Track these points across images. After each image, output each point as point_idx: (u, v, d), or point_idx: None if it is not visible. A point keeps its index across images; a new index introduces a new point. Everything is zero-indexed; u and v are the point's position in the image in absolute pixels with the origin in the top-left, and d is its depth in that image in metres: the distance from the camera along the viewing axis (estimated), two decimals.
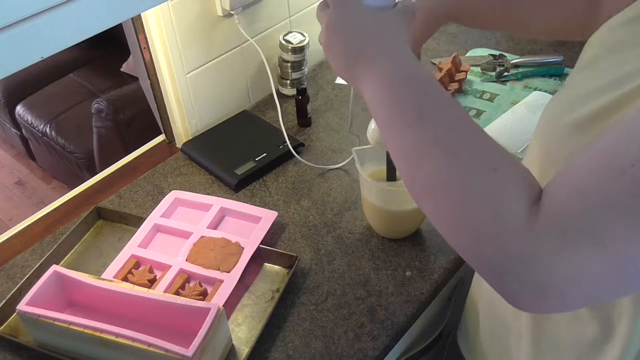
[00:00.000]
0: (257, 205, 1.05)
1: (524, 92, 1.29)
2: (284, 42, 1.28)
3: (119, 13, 0.75)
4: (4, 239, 1.06)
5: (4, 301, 0.89)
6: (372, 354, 0.83)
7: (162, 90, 1.18)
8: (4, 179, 2.85)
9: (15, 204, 2.72)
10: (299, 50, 1.28)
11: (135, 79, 2.27)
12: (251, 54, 1.28)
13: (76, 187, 1.18)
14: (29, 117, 2.51)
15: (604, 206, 0.42)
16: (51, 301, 0.85)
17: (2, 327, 0.88)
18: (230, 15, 1.18)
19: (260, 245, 0.96)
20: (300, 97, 1.23)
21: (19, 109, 2.57)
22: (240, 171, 1.12)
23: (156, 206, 1.05)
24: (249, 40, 1.23)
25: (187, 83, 1.18)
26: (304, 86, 1.23)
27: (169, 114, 1.21)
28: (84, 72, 2.68)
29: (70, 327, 0.78)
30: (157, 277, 0.94)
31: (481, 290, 0.81)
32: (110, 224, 1.06)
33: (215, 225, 1.03)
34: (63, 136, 2.37)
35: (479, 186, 0.46)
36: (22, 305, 0.81)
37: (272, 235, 1.01)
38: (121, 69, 2.56)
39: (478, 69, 1.37)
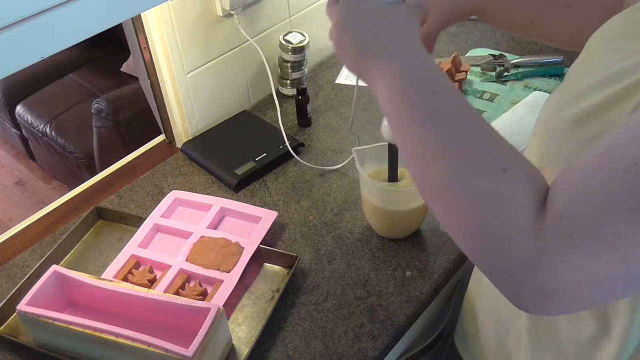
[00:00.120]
0: (257, 205, 1.05)
1: (524, 92, 1.29)
2: (284, 42, 1.28)
3: (119, 13, 0.75)
4: (4, 239, 1.06)
5: (4, 301, 0.89)
6: (372, 354, 0.83)
7: (162, 90, 1.18)
8: (4, 179, 2.85)
9: (15, 204, 2.72)
10: (299, 50, 1.28)
11: (135, 79, 2.27)
12: (251, 54, 1.28)
13: (76, 187, 1.18)
14: (29, 117, 2.51)
15: (605, 207, 0.42)
16: (51, 301, 0.85)
17: (2, 327, 0.88)
18: (230, 15, 1.18)
19: (260, 245, 0.96)
20: (300, 97, 1.23)
21: (19, 109, 2.57)
22: (240, 171, 1.12)
23: (156, 206, 1.05)
24: (249, 40, 1.23)
25: (187, 83, 1.18)
26: (304, 86, 1.23)
27: (169, 114, 1.21)
28: (84, 72, 2.68)
29: (70, 327, 0.78)
30: (157, 277, 0.94)
31: (480, 291, 0.81)
32: (110, 224, 1.06)
33: (215, 225, 1.03)
34: (63, 136, 2.37)
35: (487, 189, 0.46)
36: (22, 305, 0.81)
37: (272, 235, 1.01)
38: (121, 69, 2.56)
39: (478, 69, 1.37)
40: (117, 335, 0.76)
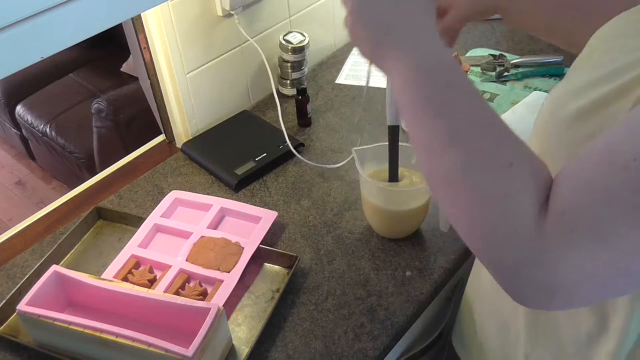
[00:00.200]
0: (257, 205, 1.05)
1: (524, 92, 1.30)
2: (284, 42, 1.28)
3: (119, 13, 0.75)
4: (4, 239, 1.06)
5: (4, 301, 0.89)
6: (372, 354, 0.83)
7: (162, 90, 1.18)
8: (4, 179, 2.85)
9: (15, 204, 2.72)
10: (299, 50, 1.28)
11: (135, 79, 2.27)
12: (251, 54, 1.28)
13: (76, 187, 1.18)
14: (29, 117, 2.51)
15: (606, 203, 0.42)
16: (51, 301, 0.85)
17: (2, 327, 0.88)
18: (230, 15, 1.18)
19: (260, 245, 0.96)
20: (300, 97, 1.23)
21: (19, 109, 2.56)
22: (240, 171, 1.12)
23: (156, 206, 1.05)
24: (249, 40, 1.23)
25: (187, 83, 1.18)
26: (304, 86, 1.23)
27: (169, 114, 1.21)
28: (84, 72, 2.68)
29: (70, 327, 0.78)
30: (157, 277, 0.94)
31: (478, 290, 0.81)
32: (110, 224, 1.06)
33: (215, 225, 1.03)
34: (63, 136, 2.37)
35: (491, 183, 0.46)
36: (22, 305, 0.81)
37: (272, 235, 1.01)
38: (121, 69, 2.56)
39: (478, 69, 1.37)
40: (117, 335, 0.76)
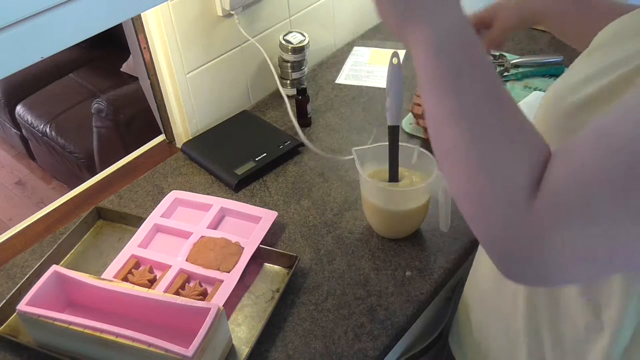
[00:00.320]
0: (257, 205, 1.05)
1: (524, 92, 1.29)
2: (284, 42, 1.28)
3: (119, 13, 0.75)
4: (4, 239, 1.06)
5: (4, 301, 0.89)
6: (372, 354, 0.83)
7: (162, 90, 1.18)
8: (4, 179, 2.85)
9: (15, 204, 2.72)
10: (299, 50, 1.28)
11: (135, 79, 2.27)
12: (251, 54, 1.28)
13: (76, 187, 1.18)
14: (29, 117, 2.51)
15: (596, 183, 0.43)
16: (51, 301, 0.85)
17: (2, 327, 0.88)
18: (230, 15, 1.18)
19: (260, 245, 0.96)
20: (300, 97, 1.23)
21: (19, 109, 2.56)
22: (240, 171, 1.12)
23: (156, 206, 1.05)
24: (249, 40, 1.23)
25: (187, 83, 1.18)
26: (304, 86, 1.23)
27: (169, 114, 1.21)
28: (84, 72, 2.68)
29: (70, 327, 0.78)
30: (157, 277, 0.94)
31: (477, 291, 0.81)
32: (110, 224, 1.06)
33: (215, 225, 1.03)
34: (63, 136, 2.37)
35: (492, 158, 0.47)
36: (22, 305, 0.81)
37: (272, 235, 1.01)
38: (121, 69, 2.56)
39: None
40: (117, 335, 0.76)
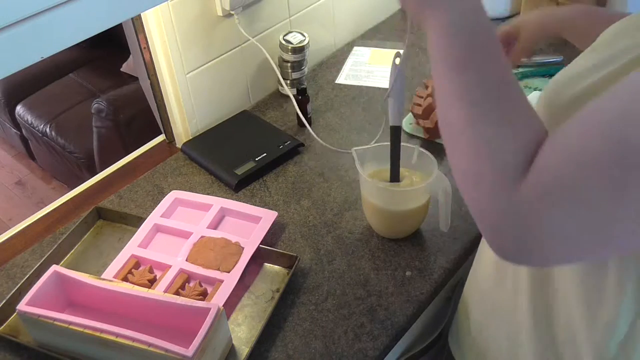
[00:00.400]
0: (257, 205, 1.05)
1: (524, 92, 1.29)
2: (284, 42, 1.28)
3: (119, 13, 0.75)
4: (4, 239, 1.06)
5: (4, 301, 0.89)
6: (372, 354, 0.83)
7: (162, 90, 1.18)
8: (4, 179, 2.85)
9: (15, 204, 2.72)
10: (299, 50, 1.28)
11: (135, 79, 2.27)
12: (251, 54, 1.28)
13: (76, 187, 1.18)
14: (29, 117, 2.51)
15: (582, 165, 0.44)
16: (51, 301, 0.85)
17: (2, 327, 0.88)
18: (230, 15, 1.18)
19: (260, 245, 0.96)
20: (300, 97, 1.23)
21: (19, 109, 2.56)
22: (240, 171, 1.12)
23: (156, 206, 1.05)
24: (249, 40, 1.23)
25: (187, 83, 1.18)
26: (304, 86, 1.23)
27: (169, 114, 1.21)
28: (84, 72, 2.68)
29: (70, 327, 0.78)
30: (157, 277, 0.94)
31: (477, 291, 0.81)
32: (110, 224, 1.06)
33: (215, 225, 1.03)
34: (63, 136, 2.37)
35: (486, 136, 0.50)
36: (22, 305, 0.81)
37: (272, 235, 1.01)
38: (121, 69, 2.56)
39: None
40: (117, 335, 0.76)
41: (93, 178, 1.20)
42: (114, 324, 0.77)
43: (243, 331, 0.86)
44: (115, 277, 0.92)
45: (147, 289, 0.86)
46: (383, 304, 0.89)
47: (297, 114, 1.23)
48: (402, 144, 0.91)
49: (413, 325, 0.90)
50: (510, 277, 0.72)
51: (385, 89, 1.36)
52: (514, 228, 0.47)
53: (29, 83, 2.60)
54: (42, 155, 2.66)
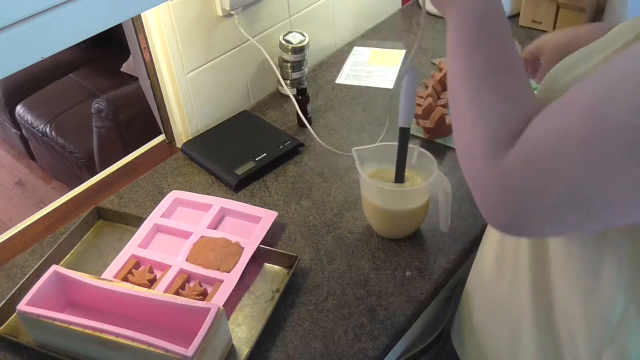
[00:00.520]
0: (257, 205, 1.05)
1: None
2: (284, 42, 1.28)
3: (119, 13, 0.75)
4: (4, 239, 1.06)
5: (4, 301, 0.89)
6: (372, 354, 0.83)
7: (162, 90, 1.18)
8: (4, 179, 2.85)
9: (15, 204, 2.72)
10: (299, 50, 1.28)
11: (135, 79, 2.27)
12: (251, 54, 1.28)
13: (76, 187, 1.18)
14: (29, 117, 2.51)
15: (564, 139, 0.47)
16: (51, 301, 0.85)
17: (2, 327, 0.88)
18: (230, 15, 1.18)
19: (260, 245, 0.96)
20: (300, 97, 1.23)
21: (19, 109, 2.56)
22: (240, 171, 1.12)
23: (156, 206, 1.05)
24: (249, 40, 1.23)
25: (187, 83, 1.18)
26: (304, 86, 1.23)
27: (169, 114, 1.21)
28: (84, 72, 2.68)
29: (70, 327, 0.78)
30: (157, 277, 0.94)
31: (479, 290, 0.81)
32: (110, 224, 1.06)
33: (215, 225, 1.03)
34: (63, 136, 2.37)
35: (485, 110, 0.54)
36: (22, 305, 0.81)
37: (272, 235, 1.01)
38: (121, 69, 2.56)
39: None
40: (117, 335, 0.76)
41: (93, 178, 1.20)
42: (114, 324, 0.77)
43: (243, 331, 0.86)
44: (115, 277, 0.92)
45: (147, 289, 0.86)
46: (383, 304, 0.89)
47: (297, 114, 1.23)
48: None
49: (413, 325, 0.90)
50: (510, 277, 0.72)
51: (387, 89, 1.36)
52: (502, 197, 0.50)
53: (29, 83, 2.60)
54: (42, 155, 2.66)
